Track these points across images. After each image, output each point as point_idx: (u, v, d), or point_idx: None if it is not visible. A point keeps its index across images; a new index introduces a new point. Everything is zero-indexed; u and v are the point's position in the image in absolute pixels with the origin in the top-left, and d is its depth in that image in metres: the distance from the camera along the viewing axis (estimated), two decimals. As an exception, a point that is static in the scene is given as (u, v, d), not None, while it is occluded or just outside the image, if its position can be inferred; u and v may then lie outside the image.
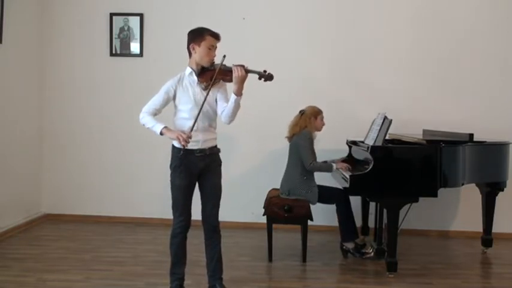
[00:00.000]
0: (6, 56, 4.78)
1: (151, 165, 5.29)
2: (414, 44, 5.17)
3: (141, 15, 5.36)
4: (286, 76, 5.21)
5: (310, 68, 5.23)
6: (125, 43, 5.41)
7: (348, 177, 3.94)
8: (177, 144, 3.17)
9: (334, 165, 4.35)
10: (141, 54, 5.39)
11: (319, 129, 4.48)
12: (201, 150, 3.22)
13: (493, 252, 4.59)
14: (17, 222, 4.99)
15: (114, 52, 5.41)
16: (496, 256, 4.54)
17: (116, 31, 5.39)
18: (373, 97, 5.16)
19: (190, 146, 3.15)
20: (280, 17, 5.26)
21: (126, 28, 5.39)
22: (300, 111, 4.46)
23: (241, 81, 3.10)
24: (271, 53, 5.20)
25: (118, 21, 5.38)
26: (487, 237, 4.56)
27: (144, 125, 3.23)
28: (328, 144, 5.02)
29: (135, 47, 5.40)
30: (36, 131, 5.40)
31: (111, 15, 5.37)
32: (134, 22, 5.37)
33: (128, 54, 5.41)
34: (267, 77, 3.17)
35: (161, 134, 3.15)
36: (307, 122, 4.37)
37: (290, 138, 4.43)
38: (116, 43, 5.41)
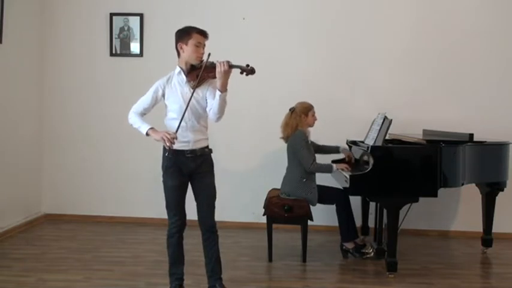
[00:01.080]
0: (6, 56, 4.77)
1: (152, 165, 5.23)
2: (414, 43, 5.16)
3: (141, 15, 5.36)
4: (287, 76, 5.23)
5: (310, 68, 5.23)
6: (125, 43, 5.41)
7: (348, 177, 3.94)
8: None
9: (335, 166, 4.32)
10: (141, 54, 5.39)
11: (311, 125, 4.41)
12: (191, 151, 3.19)
13: (493, 252, 4.59)
14: (17, 222, 4.99)
15: (114, 52, 5.41)
16: (496, 256, 4.54)
17: (116, 31, 5.39)
18: (373, 97, 5.16)
19: (180, 147, 3.15)
20: (280, 17, 5.26)
21: (126, 28, 5.39)
22: (290, 109, 4.40)
23: (225, 75, 3.03)
24: (271, 52, 5.21)
25: (118, 21, 5.38)
26: (487, 237, 4.56)
27: (131, 124, 3.24)
28: (328, 144, 5.01)
29: (135, 47, 5.40)
30: (36, 131, 5.40)
31: (111, 15, 5.37)
32: (134, 22, 5.37)
33: (128, 54, 5.41)
34: (248, 71, 3.08)
35: (147, 134, 3.15)
36: (298, 120, 4.31)
37: (285, 138, 4.39)
38: (116, 43, 5.40)
